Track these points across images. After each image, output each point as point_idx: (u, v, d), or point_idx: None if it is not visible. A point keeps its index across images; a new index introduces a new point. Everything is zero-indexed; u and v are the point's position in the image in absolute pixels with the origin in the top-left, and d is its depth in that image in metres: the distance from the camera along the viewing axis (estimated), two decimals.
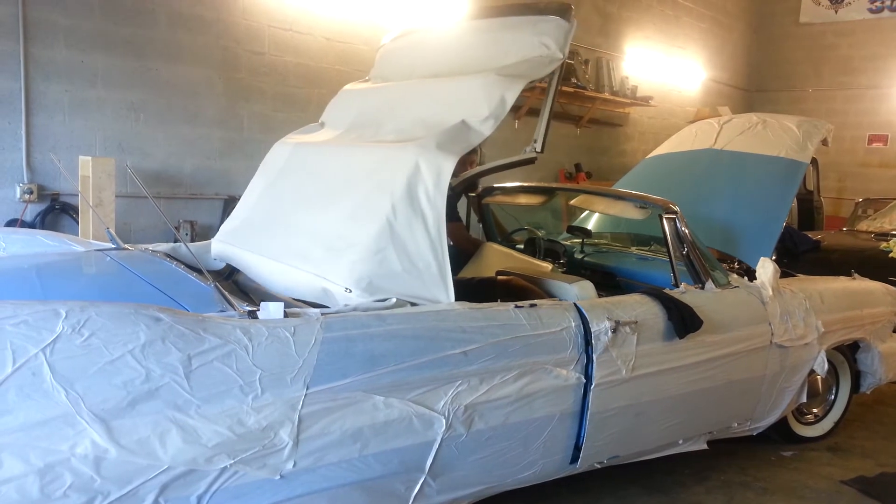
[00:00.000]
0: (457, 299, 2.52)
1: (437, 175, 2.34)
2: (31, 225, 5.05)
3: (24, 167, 5.03)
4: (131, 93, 5.48)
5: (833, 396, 4.10)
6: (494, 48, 2.63)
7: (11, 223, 4.99)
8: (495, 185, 4.33)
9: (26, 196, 5.03)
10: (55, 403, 1.69)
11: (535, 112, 8.76)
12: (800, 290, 3.58)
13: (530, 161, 2.63)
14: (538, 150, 2.60)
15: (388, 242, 2.36)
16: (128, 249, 3.15)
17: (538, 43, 2.43)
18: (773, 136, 4.27)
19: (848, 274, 4.19)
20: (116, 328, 1.81)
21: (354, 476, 2.13)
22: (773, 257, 3.59)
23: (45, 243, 3.19)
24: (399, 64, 3.12)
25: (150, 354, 1.82)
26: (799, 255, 5.83)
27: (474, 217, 4.55)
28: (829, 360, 3.70)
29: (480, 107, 2.41)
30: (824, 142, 4.29)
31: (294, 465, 1.99)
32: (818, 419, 4.05)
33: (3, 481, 1.61)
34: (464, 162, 4.62)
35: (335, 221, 2.54)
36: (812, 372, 3.61)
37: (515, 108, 8.56)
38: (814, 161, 9.43)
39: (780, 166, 4.08)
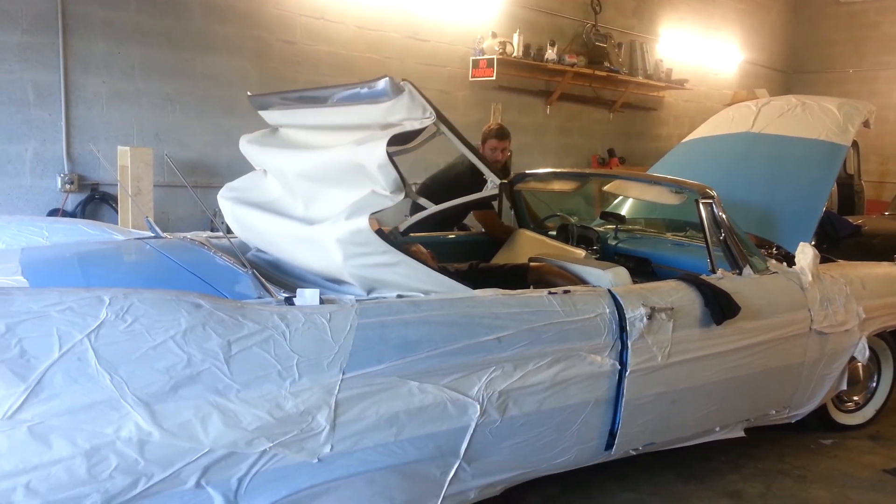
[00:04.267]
0: (489, 286, 2.52)
1: (364, 241, 2.26)
2: (72, 214, 5.16)
3: (64, 158, 5.14)
4: (167, 84, 5.56)
5: (875, 384, 4.01)
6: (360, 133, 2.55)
7: (53, 213, 5.11)
8: (527, 172, 4.31)
9: (67, 186, 5.15)
10: (100, 388, 1.74)
11: (566, 97, 8.71)
12: (840, 276, 3.50)
13: (494, 197, 2.60)
14: (497, 182, 2.55)
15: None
16: (166, 238, 3.21)
17: (399, 123, 2.36)
18: (813, 118, 4.18)
19: (890, 259, 4.10)
20: (158, 314, 1.85)
21: (390, 460, 2.16)
22: (813, 242, 3.52)
23: (87, 232, 3.26)
24: (287, 134, 3.02)
25: (192, 340, 1.86)
26: (839, 241, 5.71)
27: (506, 203, 4.54)
28: (870, 347, 3.62)
29: (378, 181, 2.35)
30: (866, 124, 4.19)
31: (331, 449, 2.02)
32: (859, 407, 3.98)
33: (53, 462, 1.66)
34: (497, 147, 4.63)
35: None
36: (853, 359, 3.54)
37: (546, 94, 8.51)
38: (855, 144, 9.18)
39: (819, 149, 3.99)
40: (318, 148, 2.69)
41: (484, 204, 4.63)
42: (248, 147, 2.98)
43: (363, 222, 2.25)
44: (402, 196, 2.36)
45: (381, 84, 2.31)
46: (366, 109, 2.45)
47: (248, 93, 3.08)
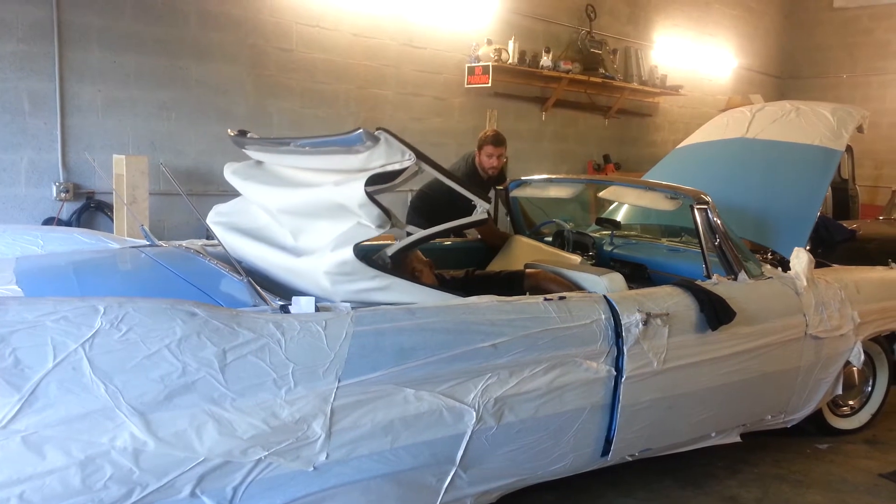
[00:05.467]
0: (485, 293, 2.53)
1: (351, 270, 2.27)
2: (68, 223, 5.15)
3: (59, 166, 5.13)
4: (163, 92, 5.56)
5: (870, 388, 4.02)
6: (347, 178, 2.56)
7: (48, 221, 5.11)
8: (523, 178, 4.32)
9: (62, 195, 5.14)
10: (95, 397, 1.74)
11: (562, 103, 8.74)
12: (835, 281, 3.51)
13: (483, 221, 2.62)
14: (485, 207, 2.58)
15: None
16: (162, 246, 3.21)
17: (381, 168, 2.39)
18: (807, 123, 4.20)
19: (885, 264, 4.11)
20: (153, 323, 1.85)
21: (386, 468, 2.16)
22: (808, 247, 3.52)
23: (82, 241, 3.26)
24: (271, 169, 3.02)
25: (186, 349, 1.86)
26: (834, 245, 5.72)
27: (502, 210, 4.55)
28: (865, 352, 3.63)
29: (361, 217, 2.39)
30: (859, 129, 4.20)
31: (327, 457, 2.02)
32: (854, 411, 3.98)
33: (47, 473, 1.66)
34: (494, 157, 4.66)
35: None
36: (848, 363, 3.54)
37: (542, 101, 8.54)
38: (849, 149, 9.21)
39: (814, 155, 4.01)
40: (299, 186, 2.70)
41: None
42: (233, 178, 2.98)
43: (348, 253, 2.26)
44: (388, 227, 2.37)
45: (356, 136, 2.33)
46: (344, 158, 2.47)
47: (229, 131, 3.09)
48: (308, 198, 2.57)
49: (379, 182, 2.35)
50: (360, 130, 2.31)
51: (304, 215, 2.63)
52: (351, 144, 2.37)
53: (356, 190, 2.29)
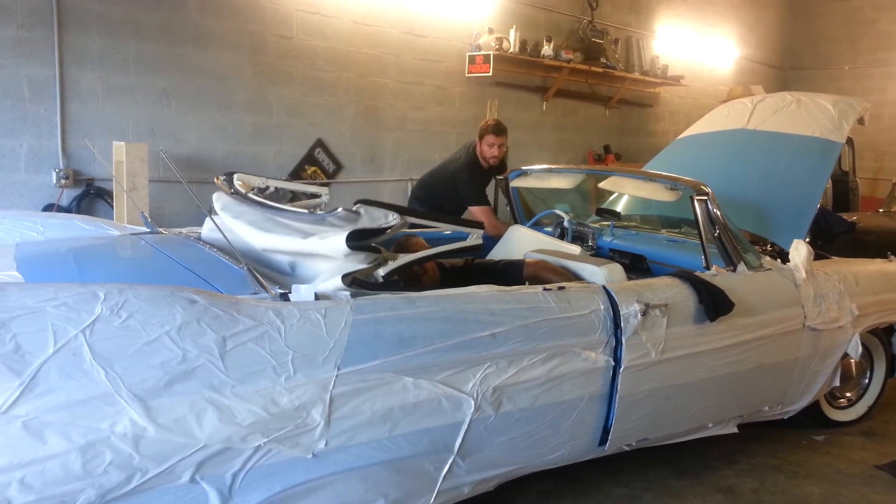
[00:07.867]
0: (484, 282, 2.53)
1: (346, 291, 2.29)
2: (67, 210, 5.15)
3: (59, 153, 5.12)
4: (162, 78, 5.54)
5: (867, 380, 4.03)
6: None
7: (48, 208, 5.10)
8: (523, 168, 4.32)
9: (62, 181, 5.13)
10: (95, 383, 1.74)
11: (562, 93, 8.72)
12: (834, 273, 3.52)
13: (478, 248, 2.71)
14: (479, 233, 2.70)
15: None
16: (162, 233, 3.21)
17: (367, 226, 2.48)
18: (808, 115, 4.19)
19: (884, 256, 4.11)
20: (153, 310, 1.86)
21: (385, 455, 2.17)
22: (807, 239, 3.53)
23: (82, 227, 3.26)
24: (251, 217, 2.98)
25: (187, 336, 1.86)
26: (833, 237, 5.72)
27: (503, 200, 4.55)
28: (863, 344, 3.64)
29: (353, 261, 2.40)
30: (860, 121, 4.20)
31: (326, 445, 2.03)
32: (851, 403, 4.00)
33: (48, 458, 1.66)
34: (495, 146, 4.67)
35: None
36: (846, 355, 3.56)
37: (543, 90, 8.53)
38: (850, 141, 9.19)
39: (814, 146, 4.00)
40: (288, 233, 2.68)
41: (481, 200, 4.68)
42: (223, 213, 2.95)
43: (337, 282, 2.27)
44: (380, 260, 2.41)
45: (338, 215, 2.45)
46: (329, 227, 2.52)
47: (216, 179, 3.11)
48: (296, 246, 2.59)
49: (366, 237, 2.36)
50: (340, 209, 2.44)
51: (296, 255, 2.66)
52: (334, 215, 2.48)
53: (339, 243, 2.31)
